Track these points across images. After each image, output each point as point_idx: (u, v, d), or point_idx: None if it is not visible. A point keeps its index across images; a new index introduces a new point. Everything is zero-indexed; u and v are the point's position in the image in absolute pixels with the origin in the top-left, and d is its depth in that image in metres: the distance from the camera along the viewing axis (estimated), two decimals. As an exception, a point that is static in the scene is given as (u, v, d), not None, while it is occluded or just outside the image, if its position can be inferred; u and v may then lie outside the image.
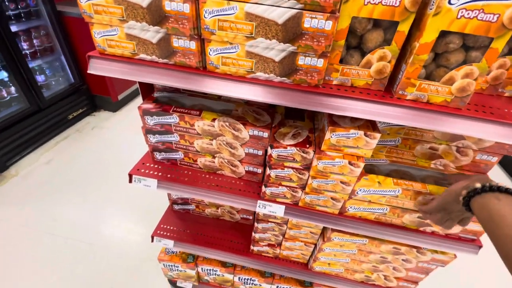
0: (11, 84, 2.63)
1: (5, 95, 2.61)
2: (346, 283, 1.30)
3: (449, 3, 0.54)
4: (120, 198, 2.48)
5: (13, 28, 2.47)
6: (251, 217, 1.46)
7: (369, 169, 0.97)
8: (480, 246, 0.96)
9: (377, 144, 0.96)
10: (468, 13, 0.54)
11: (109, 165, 2.81)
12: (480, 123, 0.66)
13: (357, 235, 1.06)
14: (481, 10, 0.54)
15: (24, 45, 2.65)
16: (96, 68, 0.75)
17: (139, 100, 4.01)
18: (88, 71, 0.76)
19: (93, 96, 3.52)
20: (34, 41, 2.74)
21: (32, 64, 2.74)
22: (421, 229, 0.96)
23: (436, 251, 1.03)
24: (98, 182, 2.61)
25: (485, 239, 0.93)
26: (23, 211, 2.28)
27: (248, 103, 1.02)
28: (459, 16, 0.55)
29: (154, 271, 1.93)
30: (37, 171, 2.70)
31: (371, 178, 0.87)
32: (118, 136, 3.25)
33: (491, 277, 2.14)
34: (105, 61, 0.74)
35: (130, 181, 1.07)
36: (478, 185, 0.63)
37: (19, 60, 2.53)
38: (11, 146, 2.65)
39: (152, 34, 0.68)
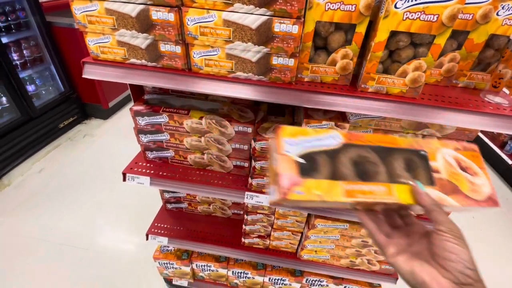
0: (1, 95, 2.65)
1: (-4, 106, 2.63)
2: (333, 270, 1.38)
3: (395, 7, 0.64)
4: (113, 203, 2.51)
5: (4, 40, 2.50)
6: (242, 212, 1.53)
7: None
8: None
9: (352, 135, 1.06)
10: (412, 15, 0.64)
11: (101, 172, 2.84)
12: (433, 110, 0.75)
13: (338, 220, 1.14)
14: (422, 12, 0.64)
15: (14, 56, 2.68)
16: (90, 72, 0.82)
17: (129, 107, 4.04)
18: (83, 76, 0.83)
19: (83, 104, 3.55)
20: (24, 51, 2.77)
21: (23, 75, 2.76)
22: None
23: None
24: (91, 189, 2.64)
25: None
26: (17, 220, 2.29)
27: (233, 102, 1.10)
28: (404, 18, 0.64)
29: (150, 272, 1.97)
30: (29, 180, 2.71)
31: None
32: (109, 143, 3.28)
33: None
34: (99, 66, 0.81)
35: (124, 179, 1.13)
36: None
37: (9, 71, 2.56)
38: (3, 156, 2.65)
39: (141, 40, 0.75)
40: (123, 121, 3.72)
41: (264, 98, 0.77)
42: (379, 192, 0.51)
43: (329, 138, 0.53)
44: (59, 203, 2.47)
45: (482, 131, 3.56)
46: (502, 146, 3.28)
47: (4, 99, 2.67)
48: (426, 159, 0.55)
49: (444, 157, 0.57)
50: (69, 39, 2.97)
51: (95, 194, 2.59)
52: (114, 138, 3.37)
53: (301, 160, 0.49)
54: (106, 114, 3.65)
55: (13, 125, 2.72)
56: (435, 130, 1.00)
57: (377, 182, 0.51)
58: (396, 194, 0.51)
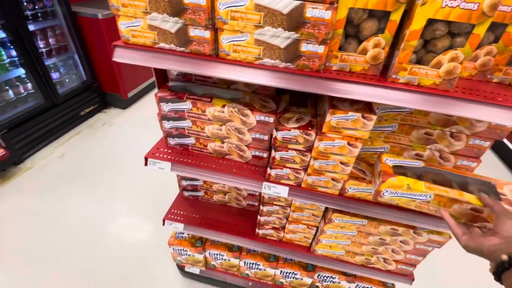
0: (27, 81, 2.76)
1: (22, 91, 2.74)
2: (347, 266, 1.36)
3: (434, -6, 0.61)
4: (130, 189, 2.58)
5: (31, 28, 2.60)
6: (257, 203, 1.53)
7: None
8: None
9: (375, 130, 1.04)
10: (452, 3, 0.61)
11: (120, 159, 2.92)
12: (466, 103, 0.73)
13: (356, 215, 1.12)
14: (463, 0, 0.61)
15: (41, 44, 2.78)
16: (121, 56, 0.84)
17: (147, 98, 4.13)
18: (113, 59, 0.85)
19: (104, 94, 3.65)
20: (50, 40, 2.87)
21: (48, 62, 2.87)
22: (418, 209, 1.03)
23: (432, 232, 1.10)
24: (110, 175, 2.72)
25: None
26: (38, 201, 2.40)
27: (255, 91, 1.10)
28: (443, 6, 0.62)
29: (164, 258, 2.02)
30: (51, 164, 2.83)
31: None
32: (127, 132, 3.37)
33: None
34: (129, 50, 0.83)
35: (146, 164, 1.16)
36: (505, 257, 0.60)
37: (36, 58, 2.66)
38: (27, 140, 2.78)
39: (172, 24, 0.76)
40: (141, 111, 3.81)
41: (290, 86, 0.77)
42: (453, 193, 0.81)
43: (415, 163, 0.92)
44: (79, 187, 2.56)
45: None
46: (527, 152, 3.13)
47: (29, 85, 2.78)
48: (495, 187, 0.86)
49: (510, 188, 0.85)
50: (93, 29, 3.06)
51: (113, 179, 2.67)
52: (132, 127, 3.46)
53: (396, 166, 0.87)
54: (124, 104, 3.74)
55: (38, 111, 2.83)
56: (465, 127, 0.96)
57: (452, 189, 0.83)
58: (466, 197, 0.80)
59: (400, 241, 1.17)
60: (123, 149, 3.07)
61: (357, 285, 1.54)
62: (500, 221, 0.69)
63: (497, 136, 0.97)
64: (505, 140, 3.36)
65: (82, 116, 3.40)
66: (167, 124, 1.14)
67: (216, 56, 0.80)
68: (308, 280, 1.59)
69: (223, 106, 1.01)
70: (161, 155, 1.17)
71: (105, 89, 3.61)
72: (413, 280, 1.33)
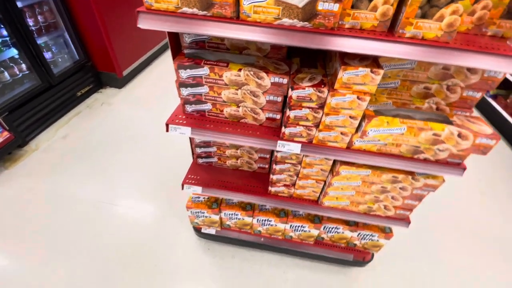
0: (21, 62, 2.70)
1: (17, 72, 2.69)
2: (352, 215, 1.52)
3: (441, -51, 0.68)
4: (137, 167, 2.67)
5: (18, 4, 2.50)
6: (267, 166, 1.65)
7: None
8: (464, 169, 1.16)
9: (380, 87, 1.13)
10: (455, -42, 0.68)
11: (123, 138, 2.97)
12: (465, 53, 0.82)
13: (361, 166, 1.25)
14: (465, -45, 0.68)
15: (30, 22, 2.68)
16: (144, 22, 0.89)
17: (143, 76, 4.07)
18: (138, 25, 0.89)
19: (98, 73, 3.59)
20: (39, 17, 2.77)
21: (39, 41, 2.79)
22: (415, 156, 1.16)
23: (428, 176, 1.24)
24: (115, 153, 2.79)
25: (468, 161, 1.13)
26: (50, 181, 2.47)
27: (267, 55, 1.16)
28: (448, -39, 0.69)
29: (178, 225, 2.17)
30: (55, 145, 2.86)
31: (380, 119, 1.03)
32: (127, 111, 3.38)
33: (473, 200, 2.43)
34: (152, 15, 0.87)
35: (167, 130, 1.24)
36: None
37: (27, 36, 2.58)
38: (29, 122, 2.78)
39: (195, -12, 0.81)
40: (138, 90, 3.78)
41: (307, 44, 0.84)
42: (420, 123, 1.03)
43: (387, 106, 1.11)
44: (87, 166, 2.63)
45: (493, 99, 3.58)
46: (513, 113, 3.31)
47: (24, 65, 2.72)
48: (447, 117, 1.08)
49: (457, 117, 1.09)
50: (82, 5, 2.94)
51: (119, 157, 2.74)
52: (131, 106, 3.46)
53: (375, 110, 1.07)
54: (120, 83, 3.70)
55: (35, 92, 2.80)
56: (460, 80, 1.07)
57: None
58: (430, 125, 1.02)
59: (400, 188, 1.32)
60: (125, 127, 3.11)
61: (359, 233, 1.73)
62: None
63: (488, 87, 1.09)
64: (499, 108, 3.51)
65: (79, 97, 3.37)
66: (185, 91, 1.20)
67: (237, 18, 0.86)
68: (315, 232, 1.77)
69: (239, 70, 1.08)
70: (180, 121, 1.25)
71: (100, 68, 3.55)
72: (409, 223, 1.50)
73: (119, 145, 2.88)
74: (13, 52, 2.58)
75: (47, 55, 2.96)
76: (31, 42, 2.62)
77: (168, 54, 4.61)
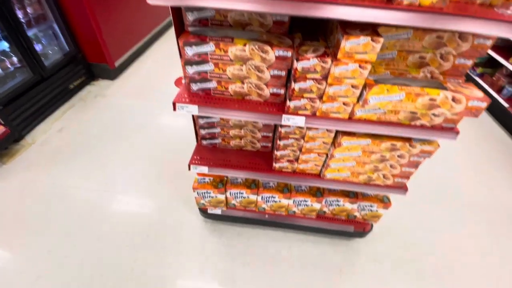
0: (12, 55, 2.65)
1: (9, 65, 2.64)
2: (352, 186, 1.60)
3: None
4: (136, 156, 2.69)
5: (5, -6, 2.43)
6: (269, 145, 1.71)
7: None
8: (457, 133, 1.24)
9: (377, 58, 1.19)
10: None
11: (119, 129, 2.97)
12: (459, 18, 0.88)
13: (362, 136, 1.32)
14: None
15: (20, 14, 2.61)
16: (153, -3, 0.91)
17: (135, 66, 4.03)
18: (147, 1, 0.91)
19: (89, 65, 3.54)
20: (28, 8, 2.70)
21: (29, 33, 2.72)
22: (412, 123, 1.23)
23: (424, 143, 1.32)
24: (113, 144, 2.79)
25: (460, 125, 1.21)
26: (49, 175, 2.46)
27: (269, 31, 1.20)
28: None
29: (183, 208, 2.22)
30: (52, 138, 2.84)
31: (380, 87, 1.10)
32: (121, 102, 3.36)
33: (467, 163, 2.56)
34: (161, -10, 0.90)
35: (174, 109, 1.27)
36: None
37: (18, 29, 2.53)
38: (23, 116, 2.74)
39: (203, -39, 0.83)
40: (131, 81, 3.75)
41: (311, 13, 0.89)
42: (417, 89, 1.09)
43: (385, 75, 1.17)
44: (85, 158, 2.63)
45: (480, 77, 3.71)
46: (499, 91, 3.46)
47: (15, 59, 2.67)
48: (442, 83, 1.14)
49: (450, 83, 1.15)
50: (69, -7, 2.88)
51: (117, 148, 2.74)
52: (126, 97, 3.44)
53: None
54: (113, 74, 3.66)
55: (28, 85, 2.76)
56: (453, 48, 1.13)
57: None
58: (426, 90, 1.09)
59: (398, 156, 1.40)
60: (120, 119, 3.10)
61: (359, 204, 1.82)
62: None
63: (478, 54, 1.16)
64: (485, 85, 3.64)
65: (72, 89, 3.33)
66: (190, 69, 1.23)
67: (244, -9, 0.89)
68: (317, 206, 1.85)
69: (245, 45, 1.11)
70: (187, 100, 1.28)
71: (91, 60, 3.50)
72: (406, 190, 1.60)
73: (117, 135, 2.89)
74: (4, 45, 2.52)
75: (38, 47, 2.90)
76: (22, 34, 2.57)
77: (160, 42, 4.55)
